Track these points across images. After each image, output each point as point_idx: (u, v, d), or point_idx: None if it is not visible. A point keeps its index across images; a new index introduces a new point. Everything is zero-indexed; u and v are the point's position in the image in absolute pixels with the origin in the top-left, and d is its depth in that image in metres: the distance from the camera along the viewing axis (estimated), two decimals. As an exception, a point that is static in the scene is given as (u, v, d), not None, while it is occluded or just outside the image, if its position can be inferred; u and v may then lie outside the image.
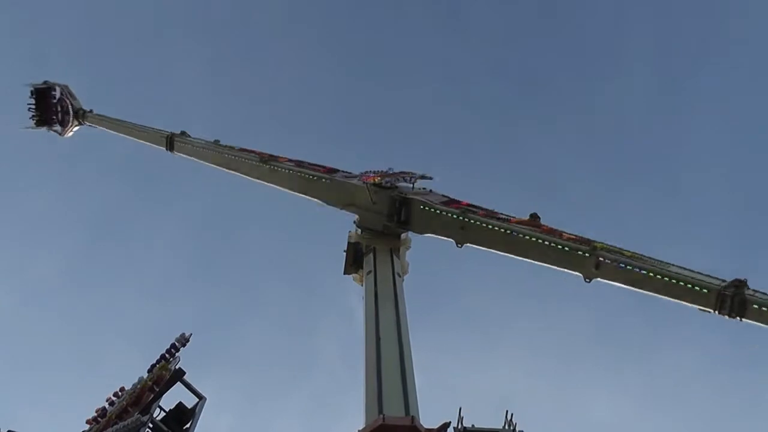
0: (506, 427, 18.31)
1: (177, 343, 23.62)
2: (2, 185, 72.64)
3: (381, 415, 17.63)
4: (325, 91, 76.72)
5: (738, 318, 17.80)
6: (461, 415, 18.66)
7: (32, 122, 42.52)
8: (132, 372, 23.25)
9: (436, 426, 18.13)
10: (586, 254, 20.82)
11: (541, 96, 79.63)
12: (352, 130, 76.48)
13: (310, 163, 31.36)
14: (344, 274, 27.90)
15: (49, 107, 42.43)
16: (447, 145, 74.86)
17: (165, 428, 21.19)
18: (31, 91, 42.89)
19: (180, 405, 22.06)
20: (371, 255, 26.25)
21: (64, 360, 63.34)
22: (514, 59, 77.88)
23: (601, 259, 20.46)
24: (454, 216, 24.33)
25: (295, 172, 30.59)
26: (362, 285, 25.84)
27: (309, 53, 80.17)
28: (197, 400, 22.28)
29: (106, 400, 22.87)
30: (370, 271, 25.44)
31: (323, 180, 29.38)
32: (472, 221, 23.79)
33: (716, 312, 18.12)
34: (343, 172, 29.84)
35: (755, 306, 17.57)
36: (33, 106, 42.55)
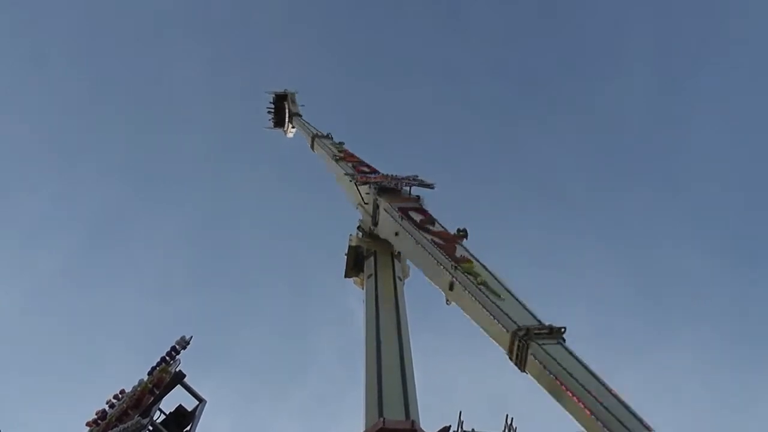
0: (506, 431, 18.28)
1: (177, 346, 23.57)
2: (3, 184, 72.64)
3: (381, 419, 17.64)
4: (324, 91, 76.79)
5: (522, 370, 15.46)
6: (461, 419, 18.65)
7: (270, 123, 48.35)
8: (132, 374, 23.26)
9: (436, 430, 18.17)
10: (447, 272, 19.30)
11: (541, 96, 79.80)
12: (351, 130, 76.50)
13: (363, 163, 31.87)
14: (345, 277, 28.00)
15: (282, 111, 48.14)
16: (447, 145, 75.04)
17: (165, 431, 21.18)
18: (273, 97, 48.29)
19: (180, 408, 22.07)
20: (372, 258, 26.32)
21: (64, 361, 63.34)
22: (514, 59, 78.06)
23: (454, 280, 19.00)
24: (395, 221, 24.08)
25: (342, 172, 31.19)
26: (363, 288, 25.88)
27: (309, 53, 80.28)
28: (197, 402, 22.29)
29: (106, 403, 22.84)
30: (370, 275, 25.51)
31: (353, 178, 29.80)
32: (402, 227, 23.28)
33: (509, 357, 15.87)
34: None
35: (532, 356, 15.13)
36: (272, 110, 48.22)
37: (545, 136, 75.04)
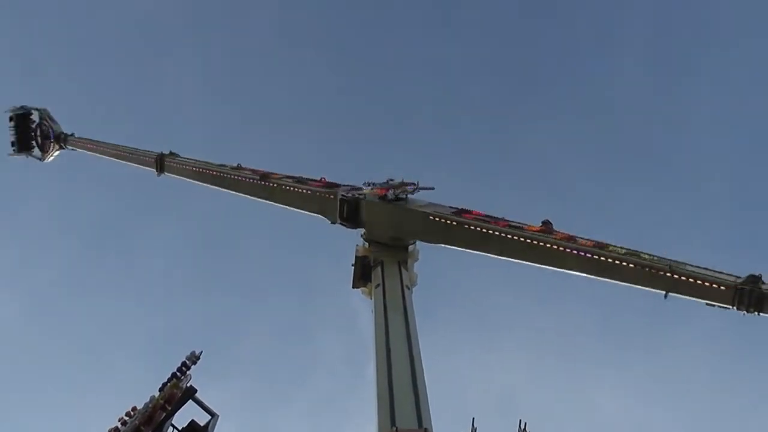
0: (520, 436, 18.21)
1: (188, 361, 23.60)
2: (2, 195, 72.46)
3: (394, 428, 17.61)
4: (316, 90, 76.85)
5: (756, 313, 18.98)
6: (474, 425, 18.57)
7: (13, 149, 41.84)
8: (138, 382, 23.30)
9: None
10: None
11: (536, 92, 79.64)
12: (344, 128, 76.52)
13: None
14: (353, 288, 27.96)
15: (27, 132, 41.28)
16: (442, 142, 75.02)
17: (178, 447, 21.20)
18: (10, 117, 41.72)
19: (192, 423, 22.04)
20: (379, 268, 26.30)
21: (69, 371, 63.17)
22: (509, 55, 78.02)
23: None
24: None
25: None
26: (371, 298, 25.85)
27: (302, 54, 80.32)
28: (209, 417, 22.27)
29: (119, 420, 22.84)
30: (378, 285, 25.47)
31: None
32: None
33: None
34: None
35: None
36: (12, 132, 41.56)
37: (541, 132, 74.92)
